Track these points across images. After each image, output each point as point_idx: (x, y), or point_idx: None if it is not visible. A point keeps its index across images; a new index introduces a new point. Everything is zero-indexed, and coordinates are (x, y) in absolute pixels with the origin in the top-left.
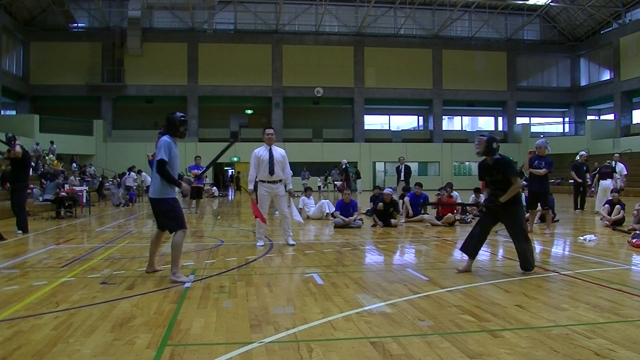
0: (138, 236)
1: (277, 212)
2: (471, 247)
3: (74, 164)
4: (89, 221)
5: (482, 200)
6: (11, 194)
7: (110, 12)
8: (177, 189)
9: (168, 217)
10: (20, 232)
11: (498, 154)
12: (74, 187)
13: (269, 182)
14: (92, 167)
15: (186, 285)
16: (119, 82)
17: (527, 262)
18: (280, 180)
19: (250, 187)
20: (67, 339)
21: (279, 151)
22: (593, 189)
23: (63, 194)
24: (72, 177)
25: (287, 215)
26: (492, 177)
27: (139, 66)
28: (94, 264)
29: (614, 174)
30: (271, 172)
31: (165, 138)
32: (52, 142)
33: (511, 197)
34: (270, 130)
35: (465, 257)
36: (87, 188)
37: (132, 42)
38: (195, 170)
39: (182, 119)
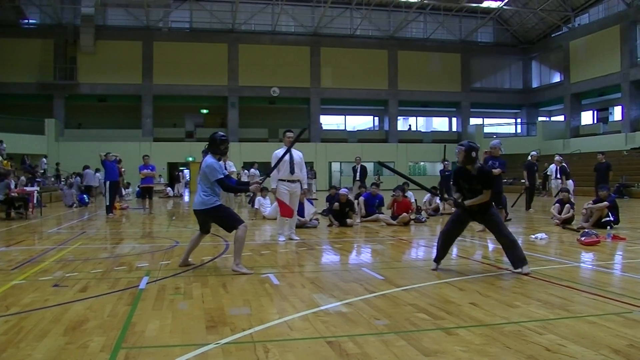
0: (92, 237)
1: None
2: (444, 254)
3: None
4: (41, 222)
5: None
6: None
7: (63, 8)
8: (218, 198)
9: (224, 220)
10: None
11: (479, 163)
12: (24, 188)
13: (288, 180)
14: (45, 162)
15: (248, 273)
16: (71, 80)
17: (520, 258)
18: (299, 180)
19: (273, 185)
20: (17, 343)
21: (297, 153)
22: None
23: (13, 194)
24: (22, 177)
25: (295, 213)
26: (472, 186)
27: (93, 64)
28: (46, 266)
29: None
30: (292, 171)
31: (210, 159)
32: (1, 142)
33: (484, 204)
34: (291, 134)
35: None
36: (38, 188)
37: (85, 40)
38: (145, 170)
39: (223, 138)
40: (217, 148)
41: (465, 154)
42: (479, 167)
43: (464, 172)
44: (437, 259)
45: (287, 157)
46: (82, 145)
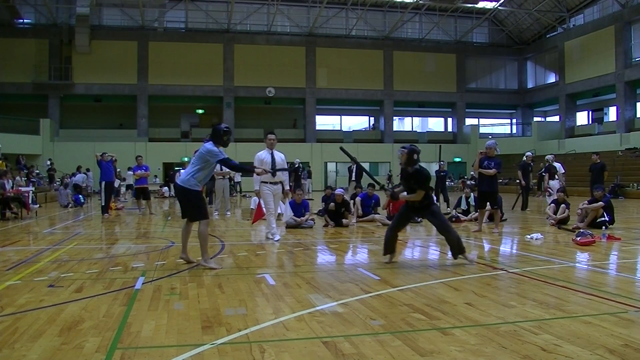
0: (87, 237)
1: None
2: (391, 247)
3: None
4: (36, 222)
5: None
6: None
7: (58, 8)
8: (199, 185)
9: (195, 207)
10: None
11: (419, 165)
12: (20, 188)
13: (271, 182)
14: (49, 164)
15: (216, 268)
16: (66, 80)
17: (459, 248)
18: (282, 182)
19: (256, 187)
20: (12, 344)
21: (279, 155)
22: (548, 189)
23: (9, 194)
24: (17, 177)
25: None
26: (409, 184)
27: (88, 64)
28: (41, 266)
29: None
30: (273, 174)
31: (211, 146)
32: None
33: (425, 200)
34: (272, 136)
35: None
36: (33, 189)
37: (80, 40)
38: (139, 171)
39: (226, 129)
40: (220, 139)
41: (408, 156)
42: (416, 168)
43: (405, 171)
44: (389, 252)
45: (268, 159)
46: (78, 146)
